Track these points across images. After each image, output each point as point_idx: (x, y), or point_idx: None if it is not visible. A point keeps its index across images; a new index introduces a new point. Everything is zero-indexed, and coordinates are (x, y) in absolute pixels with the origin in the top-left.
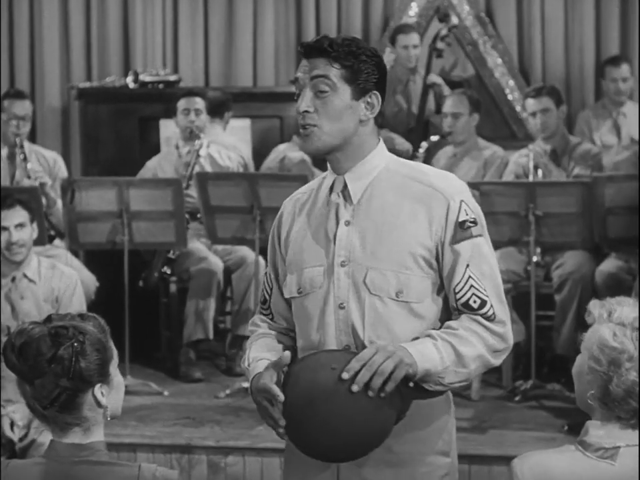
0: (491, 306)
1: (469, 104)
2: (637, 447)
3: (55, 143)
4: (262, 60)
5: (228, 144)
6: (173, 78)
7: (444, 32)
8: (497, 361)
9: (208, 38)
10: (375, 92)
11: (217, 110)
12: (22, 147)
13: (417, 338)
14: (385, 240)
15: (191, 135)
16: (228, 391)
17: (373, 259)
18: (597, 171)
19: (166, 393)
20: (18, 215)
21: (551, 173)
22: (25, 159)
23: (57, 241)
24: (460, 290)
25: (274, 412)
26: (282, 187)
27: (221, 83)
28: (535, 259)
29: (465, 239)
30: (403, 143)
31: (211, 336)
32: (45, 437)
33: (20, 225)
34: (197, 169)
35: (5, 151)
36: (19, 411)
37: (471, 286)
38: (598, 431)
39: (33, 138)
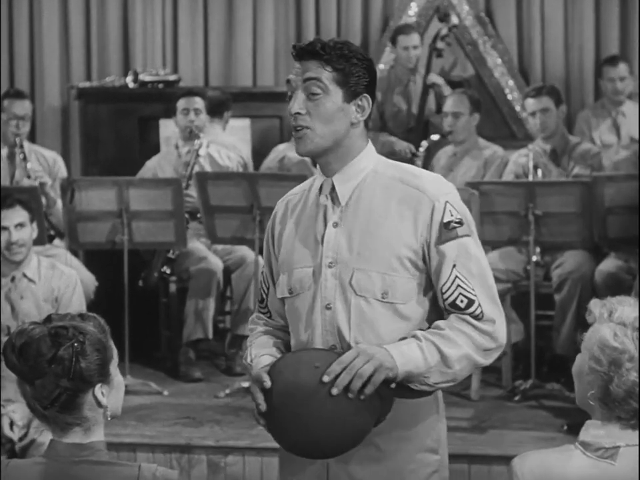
0: (479, 305)
1: (469, 103)
2: (637, 447)
3: (55, 143)
4: (262, 60)
5: (227, 144)
6: (172, 78)
7: (444, 32)
8: (486, 361)
9: (208, 38)
10: (365, 95)
11: (216, 109)
12: (22, 146)
13: (403, 338)
14: (371, 242)
15: (190, 134)
16: (228, 391)
17: (359, 261)
18: (597, 170)
19: (166, 393)
20: (18, 214)
21: (551, 172)
22: (25, 159)
23: (57, 241)
24: (447, 290)
25: (258, 397)
26: (282, 187)
27: (221, 83)
28: (534, 258)
29: (450, 240)
30: (403, 147)
31: (211, 336)
32: (45, 437)
33: (20, 225)
34: (196, 168)
35: (4, 151)
36: (18, 411)
37: (458, 286)
38: (598, 431)
39: (32, 138)
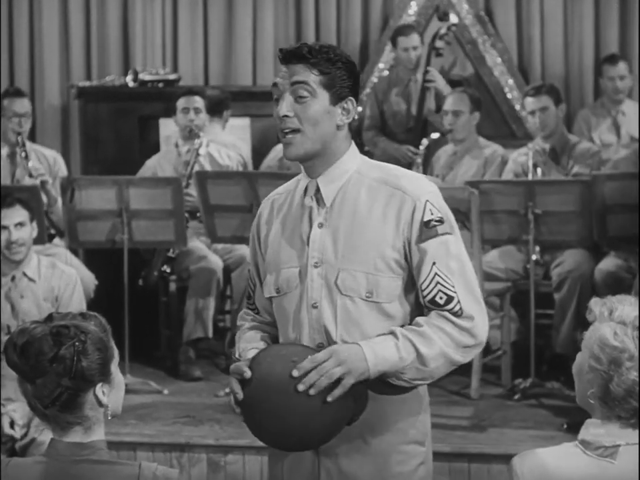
0: (458, 302)
1: (469, 102)
2: (637, 446)
3: (55, 142)
4: (261, 59)
5: (227, 143)
6: (172, 77)
7: (443, 31)
8: (464, 358)
9: (207, 37)
10: (350, 98)
11: (215, 109)
12: (23, 144)
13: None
14: (356, 242)
15: (190, 133)
16: (228, 390)
17: (344, 261)
18: (596, 169)
19: (166, 392)
20: (18, 214)
21: (550, 171)
22: (27, 157)
23: (57, 240)
24: (426, 287)
25: (235, 386)
26: None
27: (221, 82)
28: (534, 257)
29: (431, 238)
30: (403, 153)
31: (211, 335)
32: (45, 436)
33: (20, 224)
34: (196, 167)
35: (5, 150)
36: (18, 410)
37: (437, 283)
38: (598, 430)
39: (32, 137)
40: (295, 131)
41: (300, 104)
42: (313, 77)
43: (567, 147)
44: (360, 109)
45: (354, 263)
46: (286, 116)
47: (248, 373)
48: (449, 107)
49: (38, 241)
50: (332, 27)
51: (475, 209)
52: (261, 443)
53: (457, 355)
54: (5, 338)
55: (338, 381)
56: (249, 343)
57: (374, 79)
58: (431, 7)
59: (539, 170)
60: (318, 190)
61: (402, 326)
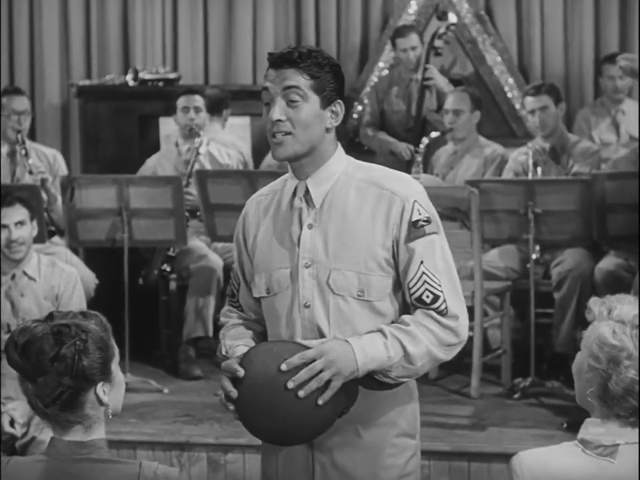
0: (444, 301)
1: (470, 101)
2: (636, 445)
3: (55, 141)
4: (261, 58)
5: (227, 142)
6: (172, 76)
7: (442, 30)
8: (447, 356)
9: (207, 36)
10: (339, 101)
11: (215, 107)
12: (23, 142)
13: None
14: (347, 242)
15: (190, 132)
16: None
17: (336, 261)
18: (596, 168)
19: (166, 391)
20: (18, 212)
21: (550, 170)
22: (27, 155)
23: (57, 239)
24: (413, 285)
25: (228, 385)
26: None
27: (221, 81)
28: (534, 256)
29: (419, 237)
30: (402, 149)
31: (211, 333)
32: (45, 435)
33: (20, 223)
34: (196, 166)
35: (5, 149)
36: (19, 409)
37: (424, 281)
38: (597, 429)
39: (32, 135)
40: (287, 133)
41: (292, 108)
42: (303, 81)
43: (567, 146)
44: (360, 108)
45: (345, 263)
46: (279, 120)
47: (241, 372)
48: (449, 105)
49: (38, 239)
50: (332, 26)
51: (475, 208)
52: (260, 442)
53: (441, 353)
54: (5, 337)
55: (327, 382)
56: (236, 340)
57: (374, 78)
58: (431, 6)
59: (538, 169)
60: (307, 191)
61: (390, 323)
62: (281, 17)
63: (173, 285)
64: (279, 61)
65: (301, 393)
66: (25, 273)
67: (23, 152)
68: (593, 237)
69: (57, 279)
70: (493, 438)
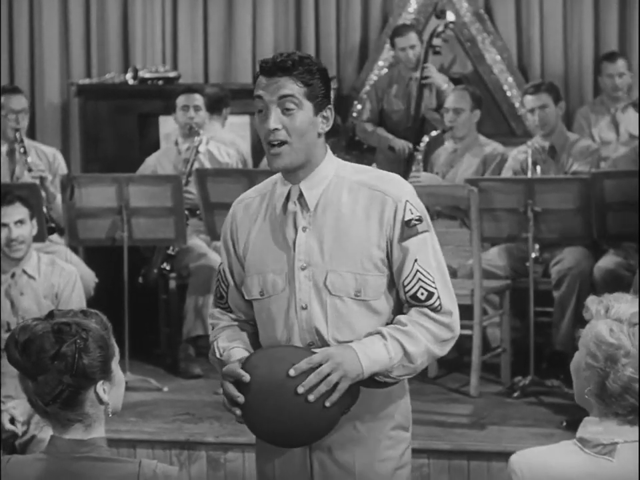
0: (438, 297)
1: (470, 100)
2: (635, 443)
3: (55, 140)
4: (261, 56)
5: (227, 140)
6: (172, 74)
7: (440, 28)
8: (442, 352)
9: (207, 34)
10: (329, 106)
11: (214, 106)
12: (22, 140)
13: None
14: (342, 244)
15: (190, 131)
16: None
17: (332, 262)
18: (596, 167)
19: (165, 389)
20: (18, 211)
21: (550, 169)
22: (25, 153)
23: (57, 238)
24: (408, 283)
25: (233, 390)
26: None
27: (220, 80)
28: (533, 255)
29: (412, 236)
30: (401, 145)
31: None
32: (45, 433)
33: (20, 222)
34: (196, 165)
35: (4, 148)
36: (19, 407)
37: (419, 279)
38: (596, 427)
39: (32, 134)
40: (283, 142)
41: (287, 116)
42: (297, 89)
43: (567, 145)
44: (360, 107)
45: (342, 264)
46: (276, 129)
47: (247, 377)
48: (449, 104)
49: (38, 238)
50: (332, 25)
51: (474, 207)
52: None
53: (437, 349)
54: (4, 335)
55: (335, 385)
56: (230, 342)
57: (374, 77)
58: (431, 4)
59: (538, 168)
60: (301, 195)
61: (387, 324)
62: (280, 15)
63: (172, 284)
64: (273, 69)
65: (311, 397)
66: (24, 272)
67: (22, 150)
68: (593, 235)
69: (57, 278)
70: (492, 436)
